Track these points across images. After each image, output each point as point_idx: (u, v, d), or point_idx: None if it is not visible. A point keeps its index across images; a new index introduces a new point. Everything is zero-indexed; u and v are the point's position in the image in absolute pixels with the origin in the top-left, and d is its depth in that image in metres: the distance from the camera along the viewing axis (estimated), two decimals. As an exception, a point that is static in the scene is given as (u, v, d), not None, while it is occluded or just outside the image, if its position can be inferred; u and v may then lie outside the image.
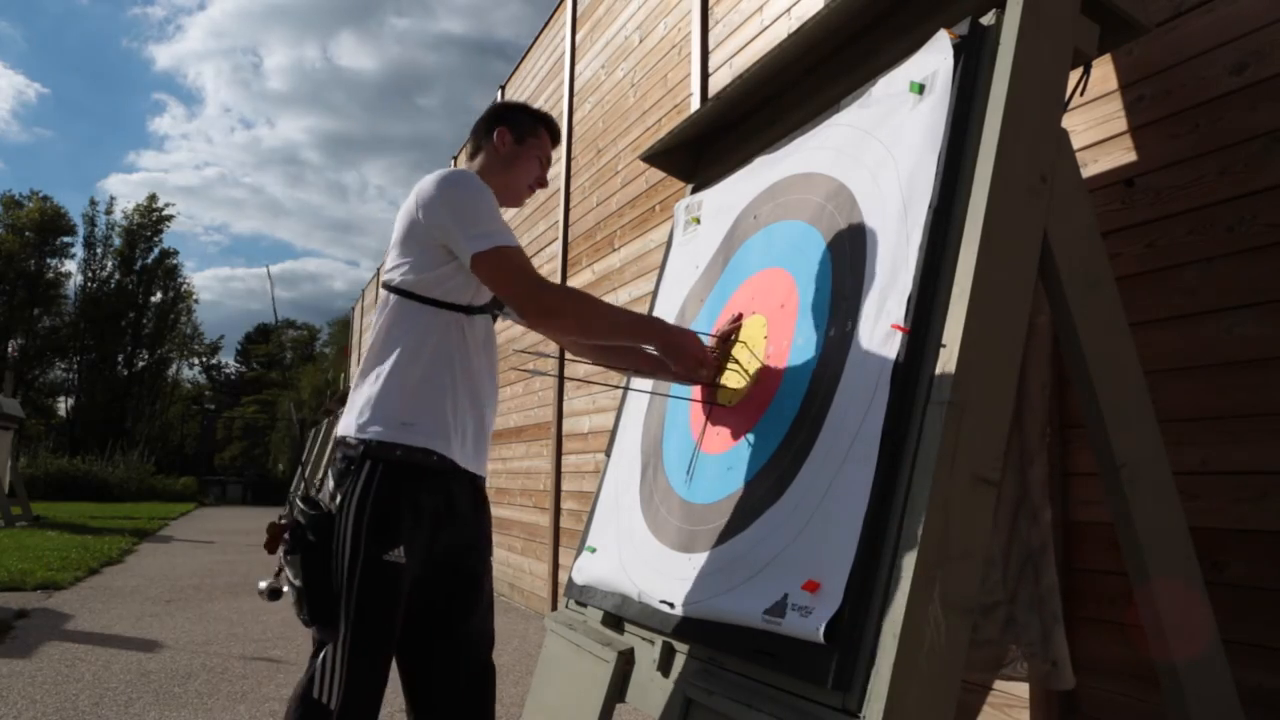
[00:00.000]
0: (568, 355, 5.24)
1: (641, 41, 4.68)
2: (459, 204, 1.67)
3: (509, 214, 7.03)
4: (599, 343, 1.83)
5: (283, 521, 1.67)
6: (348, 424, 1.72)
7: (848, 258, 1.65)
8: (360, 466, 1.65)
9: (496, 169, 1.87)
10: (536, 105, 6.64)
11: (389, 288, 1.75)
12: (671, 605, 1.70)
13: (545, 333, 1.75)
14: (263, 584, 1.72)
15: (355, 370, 1.80)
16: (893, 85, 1.68)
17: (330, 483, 1.70)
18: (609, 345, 1.98)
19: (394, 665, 1.78)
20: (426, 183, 1.72)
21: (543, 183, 1.95)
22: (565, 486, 5.20)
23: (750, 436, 1.75)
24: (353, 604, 1.60)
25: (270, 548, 1.67)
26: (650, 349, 1.85)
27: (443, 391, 1.71)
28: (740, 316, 1.97)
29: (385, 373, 1.70)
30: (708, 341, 1.93)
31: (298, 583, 1.63)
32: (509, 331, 6.37)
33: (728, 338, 1.96)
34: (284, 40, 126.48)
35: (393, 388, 1.69)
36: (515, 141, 1.88)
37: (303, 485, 1.79)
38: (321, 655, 1.62)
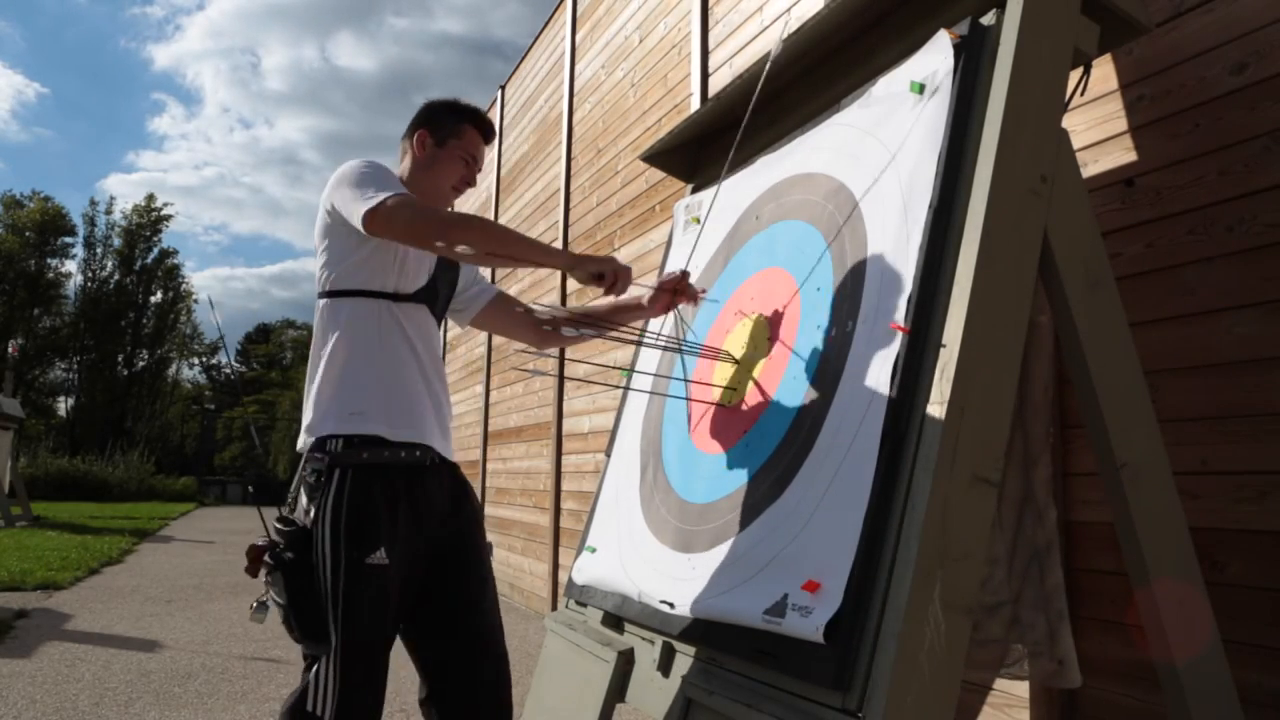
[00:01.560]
0: (568, 355, 5.24)
1: (641, 41, 4.68)
2: (348, 180, 1.67)
3: (508, 219, 7.03)
4: (511, 255, 1.73)
5: (261, 542, 1.67)
6: (301, 434, 1.73)
7: (848, 258, 1.65)
8: (329, 476, 1.65)
9: (417, 173, 1.86)
10: (536, 105, 6.65)
11: (318, 296, 1.77)
12: (671, 605, 1.70)
13: (453, 254, 1.65)
14: (253, 602, 1.73)
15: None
16: (893, 85, 1.68)
17: (303, 498, 1.70)
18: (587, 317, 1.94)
19: (411, 662, 1.79)
20: (329, 180, 1.74)
21: (469, 182, 1.91)
22: (565, 486, 5.19)
23: (750, 436, 1.75)
24: (340, 613, 1.60)
25: (251, 571, 1.66)
26: (633, 290, 1.82)
27: (389, 377, 1.70)
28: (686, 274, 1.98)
29: (324, 372, 1.70)
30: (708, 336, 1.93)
31: (282, 601, 1.63)
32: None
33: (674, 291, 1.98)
34: (282, 40, 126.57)
35: (332, 381, 1.69)
36: (435, 144, 1.86)
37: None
38: (315, 667, 1.61)
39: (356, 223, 1.62)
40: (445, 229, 1.58)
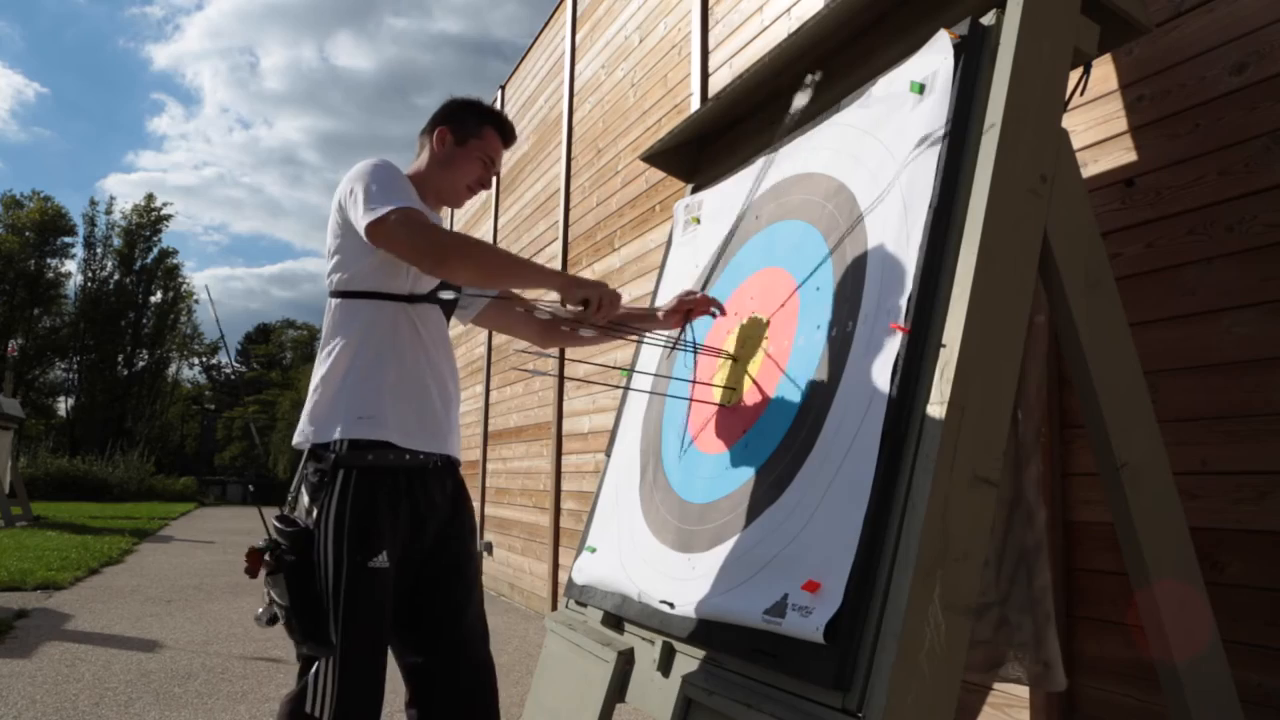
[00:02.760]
0: (568, 355, 5.24)
1: (641, 41, 4.68)
2: (360, 183, 1.65)
3: (508, 219, 7.02)
4: (505, 284, 1.77)
5: (261, 545, 1.65)
6: (303, 430, 1.70)
7: (848, 258, 1.65)
8: (334, 476, 1.64)
9: (434, 169, 1.86)
10: (536, 105, 6.66)
11: (330, 295, 1.75)
12: (671, 605, 1.70)
13: (453, 278, 1.69)
14: (259, 610, 1.71)
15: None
16: (893, 85, 1.68)
17: (304, 498, 1.69)
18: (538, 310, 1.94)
19: (396, 668, 1.78)
20: (343, 179, 1.73)
21: (485, 184, 1.91)
22: (565, 486, 5.19)
23: (750, 436, 1.75)
24: (340, 615, 1.59)
25: (252, 573, 1.65)
26: (659, 299, 1.80)
27: (401, 381, 1.70)
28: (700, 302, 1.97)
29: (334, 372, 1.69)
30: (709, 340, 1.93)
31: (284, 603, 1.62)
32: (509, 331, 6.36)
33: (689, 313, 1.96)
34: (281, 40, 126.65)
35: (345, 384, 1.68)
36: (456, 142, 1.86)
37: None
38: (314, 669, 1.61)
39: (360, 230, 1.62)
40: (443, 255, 1.58)
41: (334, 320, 1.73)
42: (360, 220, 1.60)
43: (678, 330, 2.08)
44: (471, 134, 1.86)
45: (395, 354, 1.70)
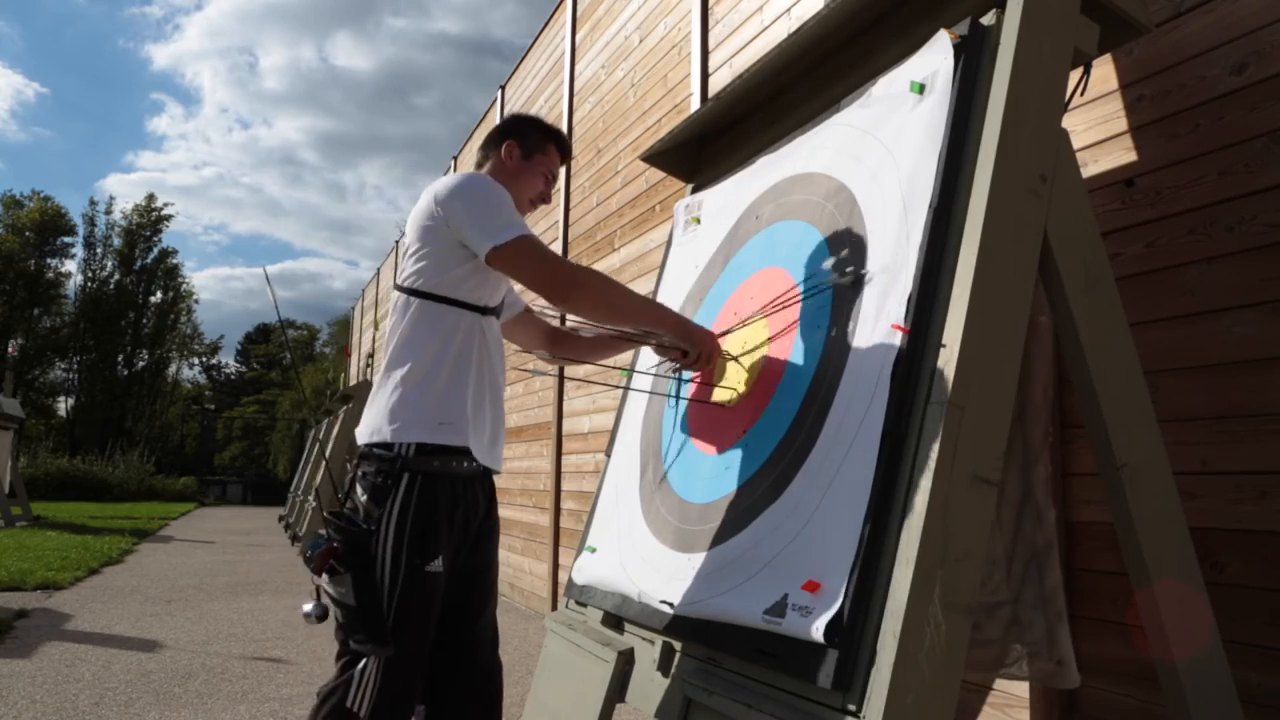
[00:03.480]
0: (568, 355, 5.24)
1: (641, 41, 4.68)
2: (476, 202, 1.69)
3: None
4: (621, 323, 1.82)
5: (331, 544, 1.63)
6: (377, 429, 1.69)
7: (848, 258, 1.65)
8: (398, 479, 1.65)
9: (501, 181, 1.86)
10: (536, 105, 6.66)
11: (409, 291, 1.75)
12: (671, 605, 1.70)
13: (573, 310, 1.74)
14: (307, 607, 1.68)
15: (376, 373, 1.79)
16: (893, 85, 1.68)
17: (361, 496, 1.68)
18: (618, 334, 2.00)
19: None
20: (444, 183, 1.74)
21: (545, 199, 1.97)
22: (565, 486, 5.19)
23: (750, 436, 1.75)
24: (393, 616, 1.62)
25: (319, 570, 1.63)
26: (663, 335, 1.85)
27: (475, 391, 1.74)
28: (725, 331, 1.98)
29: (415, 375, 1.69)
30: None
31: (350, 602, 1.61)
32: (509, 331, 6.36)
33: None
34: (280, 40, 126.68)
35: (427, 389, 1.69)
36: (523, 156, 1.91)
37: (335, 497, 1.77)
38: (362, 664, 1.62)
39: (478, 251, 1.65)
40: (570, 288, 1.67)
41: (414, 320, 1.73)
42: (482, 243, 1.65)
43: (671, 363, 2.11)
44: (536, 149, 1.92)
45: (476, 363, 1.74)
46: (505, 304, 1.98)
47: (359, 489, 1.70)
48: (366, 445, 1.71)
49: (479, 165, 1.96)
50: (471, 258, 1.70)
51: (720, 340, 1.95)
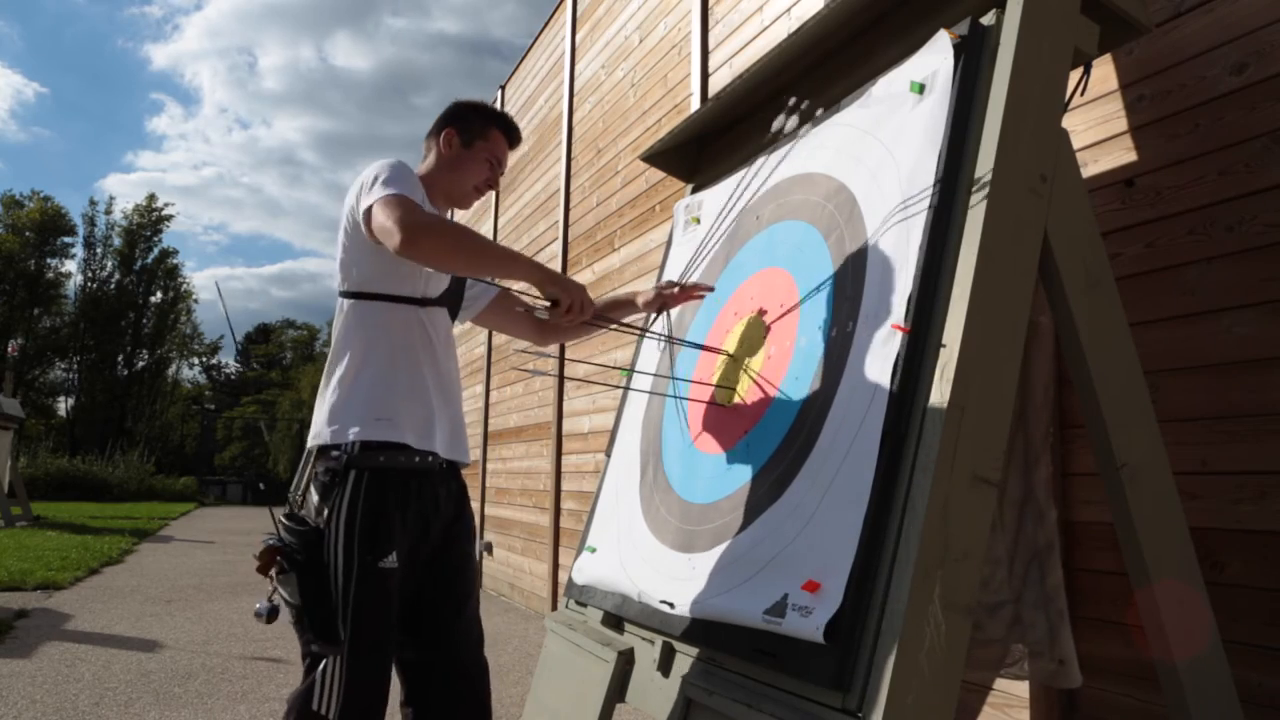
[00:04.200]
0: (568, 355, 5.24)
1: (641, 41, 4.68)
2: (364, 181, 1.66)
3: (508, 219, 7.03)
4: (480, 272, 1.74)
5: (276, 543, 1.65)
6: (319, 431, 1.70)
7: (848, 258, 1.65)
8: (345, 477, 1.64)
9: (441, 170, 1.87)
10: (536, 105, 6.66)
11: (341, 295, 1.76)
12: (671, 605, 1.70)
13: (426, 260, 1.61)
14: (259, 605, 1.70)
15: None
16: (893, 85, 1.68)
17: (314, 497, 1.69)
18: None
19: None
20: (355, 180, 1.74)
21: (491, 185, 1.92)
22: (565, 486, 5.19)
23: (750, 437, 1.75)
24: (349, 614, 1.60)
25: (264, 570, 1.65)
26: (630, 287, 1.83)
27: (414, 384, 1.71)
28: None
29: (350, 373, 1.70)
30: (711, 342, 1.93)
31: (296, 601, 1.63)
32: (509, 331, 6.36)
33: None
34: (279, 40, 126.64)
35: (361, 386, 1.68)
36: (462, 144, 1.86)
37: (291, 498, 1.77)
38: (322, 666, 1.62)
39: (359, 220, 1.63)
40: (413, 235, 1.52)
41: (346, 321, 1.74)
42: (360, 208, 1.61)
43: (653, 315, 2.09)
44: (477, 136, 1.88)
45: (409, 356, 1.71)
46: (469, 296, 1.98)
47: (311, 489, 1.70)
48: (313, 446, 1.71)
49: (423, 157, 1.93)
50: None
51: (721, 338, 1.95)
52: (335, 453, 1.66)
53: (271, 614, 1.69)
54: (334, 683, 1.59)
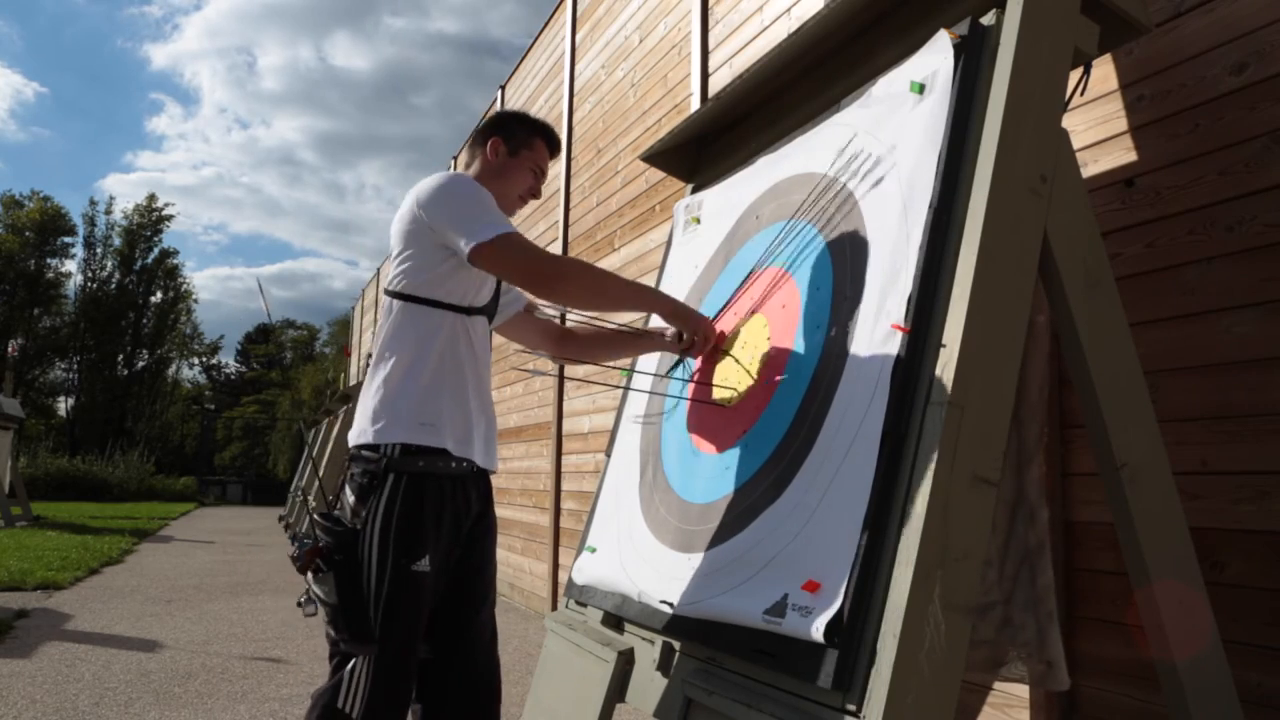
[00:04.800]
0: (568, 355, 5.24)
1: (641, 41, 4.68)
2: (457, 201, 1.69)
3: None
4: (612, 310, 1.83)
5: (318, 543, 1.66)
6: (363, 430, 1.71)
7: (848, 258, 1.65)
8: (383, 480, 1.66)
9: (488, 178, 1.88)
10: (536, 105, 6.66)
11: (394, 294, 1.77)
12: (671, 605, 1.70)
13: (562, 301, 1.76)
14: (302, 598, 1.71)
15: (365, 374, 1.81)
16: (893, 85, 1.68)
17: (349, 497, 1.70)
18: (617, 329, 2.00)
19: None
20: (424, 185, 1.74)
21: (535, 193, 1.96)
22: (565, 486, 5.20)
23: (750, 436, 1.75)
24: (381, 616, 1.62)
25: (305, 570, 1.66)
26: (657, 319, 1.88)
27: (456, 390, 1.73)
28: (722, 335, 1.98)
29: (396, 375, 1.71)
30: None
31: (332, 601, 1.63)
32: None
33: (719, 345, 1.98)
34: (278, 40, 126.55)
35: (408, 390, 1.70)
36: (509, 153, 1.90)
37: (320, 495, 1.79)
38: (351, 665, 1.63)
39: (461, 250, 1.65)
40: (556, 280, 1.68)
41: (397, 322, 1.75)
42: (465, 242, 1.64)
43: (674, 355, 2.12)
44: (523, 145, 1.91)
45: (454, 363, 1.74)
46: (502, 304, 1.98)
47: (348, 489, 1.72)
48: (355, 447, 1.73)
49: (466, 165, 1.96)
50: (452, 257, 1.70)
51: (719, 330, 1.95)
52: (374, 454, 1.67)
53: (312, 604, 1.70)
54: (361, 682, 1.61)
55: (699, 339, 1.84)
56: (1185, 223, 1.82)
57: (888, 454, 1.35)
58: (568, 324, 2.15)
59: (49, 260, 35.28)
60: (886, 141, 1.64)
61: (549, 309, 2.10)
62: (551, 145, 1.96)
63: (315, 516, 1.71)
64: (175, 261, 38.74)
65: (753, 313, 1.93)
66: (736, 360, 1.91)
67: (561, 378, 5.31)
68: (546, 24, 6.42)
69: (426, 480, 1.68)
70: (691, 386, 2.04)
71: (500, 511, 6.61)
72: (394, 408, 1.69)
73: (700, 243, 2.35)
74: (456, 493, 1.74)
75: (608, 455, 2.41)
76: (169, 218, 38.29)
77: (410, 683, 1.68)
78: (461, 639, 1.81)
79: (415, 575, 1.65)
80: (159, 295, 38.08)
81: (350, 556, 1.65)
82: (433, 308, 1.73)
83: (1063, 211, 1.47)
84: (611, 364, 2.17)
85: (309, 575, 1.66)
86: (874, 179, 1.65)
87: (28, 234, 34.34)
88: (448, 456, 1.71)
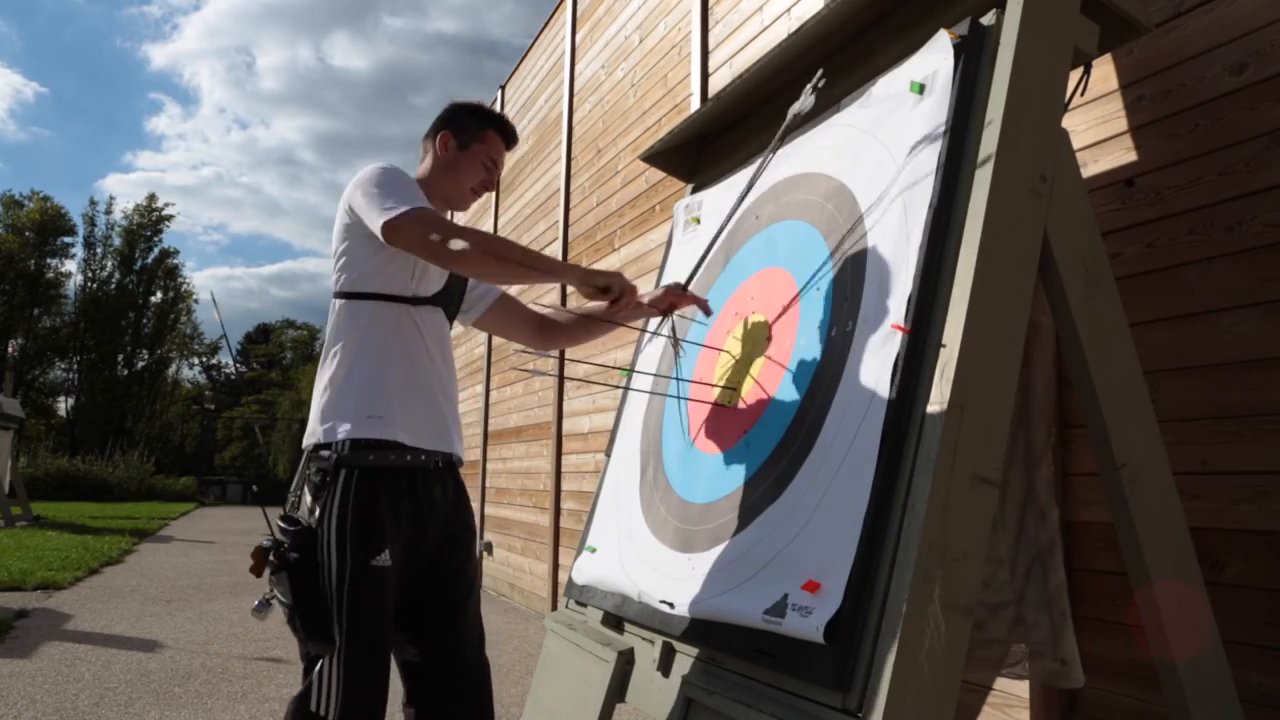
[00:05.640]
0: (568, 355, 5.24)
1: (641, 41, 4.68)
2: (372, 186, 1.67)
3: (508, 219, 7.03)
4: (522, 279, 1.76)
5: (266, 543, 1.67)
6: (313, 430, 1.72)
7: (848, 258, 1.65)
8: (335, 476, 1.65)
9: (438, 173, 1.88)
10: (536, 105, 6.65)
11: (335, 295, 1.77)
12: (671, 605, 1.70)
13: (468, 271, 1.72)
14: (255, 602, 1.72)
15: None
16: (893, 85, 1.68)
17: (307, 497, 1.70)
18: (580, 318, 1.99)
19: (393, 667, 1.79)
20: (352, 180, 1.75)
21: (488, 186, 1.93)
22: (565, 486, 5.19)
23: (750, 436, 1.75)
24: (344, 613, 1.61)
25: (257, 571, 1.67)
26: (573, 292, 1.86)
27: (408, 382, 1.72)
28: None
29: (340, 373, 1.71)
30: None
31: (288, 600, 1.63)
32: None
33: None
34: (277, 40, 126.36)
35: (353, 384, 1.70)
36: (459, 147, 1.88)
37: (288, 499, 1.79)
38: (319, 667, 1.62)
39: (375, 231, 1.63)
40: (459, 250, 1.59)
41: (338, 321, 1.75)
42: (376, 221, 1.62)
43: (659, 319, 2.10)
44: (474, 137, 1.89)
45: (400, 354, 1.72)
46: (469, 298, 1.98)
47: (305, 490, 1.72)
48: (308, 448, 1.73)
49: (420, 160, 1.95)
50: (383, 248, 1.69)
51: (721, 338, 1.95)
52: (326, 452, 1.67)
53: (262, 607, 1.70)
54: (332, 683, 1.60)
55: (615, 286, 1.74)
56: (1185, 223, 1.82)
57: (888, 454, 1.35)
58: (540, 312, 2.13)
59: (49, 260, 35.27)
60: (886, 141, 1.65)
61: (541, 309, 2.10)
62: (506, 136, 1.93)
63: (275, 518, 1.71)
64: (175, 261, 38.73)
65: (753, 313, 1.93)
66: (737, 360, 1.91)
67: (561, 378, 5.31)
68: (546, 24, 6.42)
69: (380, 474, 1.66)
70: (692, 386, 2.04)
71: (500, 511, 6.61)
72: (340, 404, 1.69)
73: (700, 243, 2.35)
74: (416, 486, 1.72)
75: (608, 455, 2.41)
76: (169, 218, 38.27)
77: (384, 679, 1.65)
78: (445, 640, 1.79)
79: (375, 570, 1.63)
80: (159, 295, 38.08)
81: (309, 556, 1.64)
82: (372, 301, 1.72)
83: (1063, 211, 1.47)
84: (608, 364, 2.16)
85: (267, 575, 1.66)
86: (874, 179, 1.65)
87: (28, 234, 34.34)
88: (401, 449, 1.69)
